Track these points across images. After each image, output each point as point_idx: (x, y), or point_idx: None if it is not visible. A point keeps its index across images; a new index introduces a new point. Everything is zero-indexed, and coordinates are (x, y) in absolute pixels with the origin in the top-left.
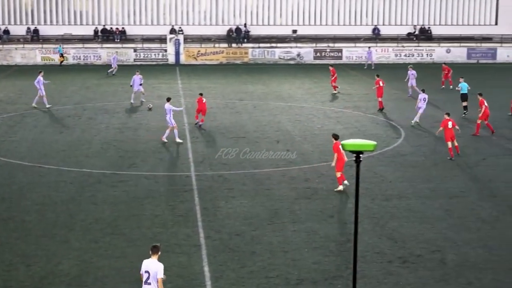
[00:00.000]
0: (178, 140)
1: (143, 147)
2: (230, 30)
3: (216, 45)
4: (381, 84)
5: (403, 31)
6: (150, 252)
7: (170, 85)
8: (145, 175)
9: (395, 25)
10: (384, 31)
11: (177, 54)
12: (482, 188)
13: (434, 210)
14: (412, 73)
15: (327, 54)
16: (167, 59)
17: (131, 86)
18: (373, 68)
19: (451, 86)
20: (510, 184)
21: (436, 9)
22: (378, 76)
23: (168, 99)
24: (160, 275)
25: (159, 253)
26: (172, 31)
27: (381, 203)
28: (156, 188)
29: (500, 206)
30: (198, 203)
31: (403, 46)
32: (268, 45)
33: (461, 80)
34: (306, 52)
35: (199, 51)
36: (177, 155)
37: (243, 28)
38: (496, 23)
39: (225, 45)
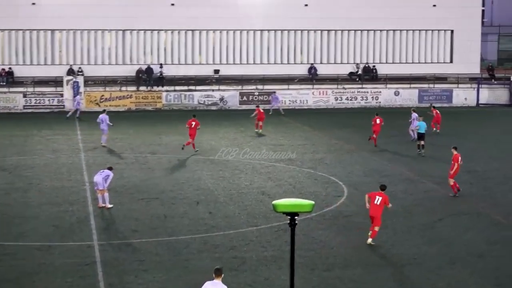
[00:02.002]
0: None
1: (35, 213)
2: (139, 71)
3: (123, 88)
4: (378, 122)
5: (344, 70)
6: (214, 275)
7: (68, 137)
8: (37, 246)
9: (335, 63)
10: (322, 70)
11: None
12: (439, 253)
13: (384, 281)
14: (415, 116)
15: (255, 97)
16: (63, 105)
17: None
18: (283, 113)
19: (438, 131)
20: (472, 248)
21: (381, 46)
22: (377, 114)
23: (104, 111)
24: None
25: (222, 275)
26: (70, 71)
27: (321, 273)
28: (51, 262)
29: (461, 274)
30: (102, 278)
31: (344, 88)
32: (186, 87)
33: (420, 119)
34: (231, 96)
35: (102, 95)
36: (76, 221)
37: (155, 68)
38: (451, 61)
39: (134, 88)
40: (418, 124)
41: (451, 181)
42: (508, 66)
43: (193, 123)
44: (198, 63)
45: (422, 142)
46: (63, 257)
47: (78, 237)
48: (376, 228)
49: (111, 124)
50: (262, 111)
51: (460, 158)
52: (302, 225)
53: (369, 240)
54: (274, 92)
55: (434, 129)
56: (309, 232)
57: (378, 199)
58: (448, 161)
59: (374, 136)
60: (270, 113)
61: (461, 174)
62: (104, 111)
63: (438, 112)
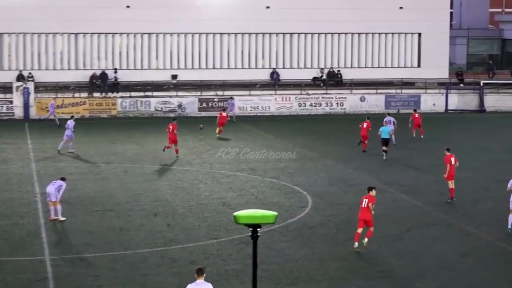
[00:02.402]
0: (60, 148)
1: None
2: (93, 76)
3: (76, 94)
4: (364, 126)
5: (308, 75)
6: (196, 275)
7: (18, 145)
8: None
9: (298, 68)
10: (285, 75)
11: (26, 106)
12: (408, 265)
13: None
14: (390, 119)
15: (215, 104)
16: (13, 113)
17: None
18: (234, 120)
19: (421, 136)
20: (441, 260)
21: (346, 49)
22: (368, 118)
23: (72, 117)
24: None
25: (204, 274)
26: (20, 77)
27: None
28: (1, 278)
29: (430, 287)
30: None
31: (308, 94)
32: (142, 94)
33: (384, 124)
34: (189, 102)
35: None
36: (27, 235)
37: (110, 73)
38: (419, 65)
39: (88, 94)
40: (380, 130)
41: (450, 184)
42: (478, 70)
43: (171, 127)
44: (155, 68)
45: (385, 148)
46: (13, 272)
47: (29, 251)
48: (371, 229)
49: (73, 130)
50: (224, 115)
51: (453, 159)
52: (265, 237)
53: (365, 240)
54: (231, 98)
55: (415, 134)
56: (272, 244)
57: (365, 201)
58: (417, 168)
59: (363, 141)
60: (234, 120)
61: (430, 183)
62: (72, 117)
63: (417, 115)
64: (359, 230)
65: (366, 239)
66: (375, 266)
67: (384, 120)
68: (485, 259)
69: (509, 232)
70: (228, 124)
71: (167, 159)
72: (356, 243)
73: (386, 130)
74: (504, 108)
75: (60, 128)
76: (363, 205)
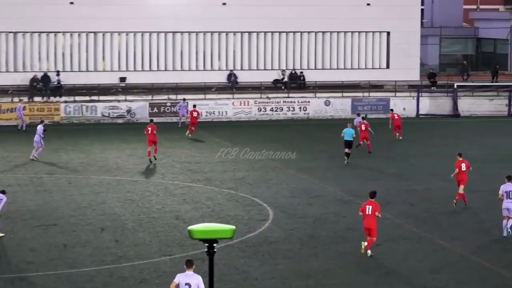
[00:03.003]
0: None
1: None
2: (34, 79)
3: (15, 99)
4: (363, 128)
5: (268, 77)
6: (185, 266)
7: None
8: None
9: (258, 69)
10: (243, 77)
11: None
12: (377, 283)
13: None
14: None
15: (167, 109)
16: None
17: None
18: (179, 126)
19: (400, 137)
20: (413, 277)
21: (310, 49)
22: (363, 118)
23: (42, 121)
24: (203, 286)
25: (194, 266)
26: None
27: None
28: None
29: None
30: None
31: (268, 98)
32: (88, 98)
33: (349, 125)
34: (139, 107)
35: None
36: None
37: (52, 76)
38: (388, 67)
39: (28, 99)
40: (344, 131)
41: (460, 189)
42: (451, 72)
43: (150, 128)
44: (102, 70)
45: (348, 150)
46: None
47: None
48: (374, 239)
49: (42, 135)
50: (195, 115)
51: (463, 164)
52: (222, 254)
53: (368, 252)
54: (184, 100)
55: (397, 135)
56: (230, 261)
57: (369, 208)
58: (386, 178)
59: (366, 142)
60: (179, 126)
61: (400, 194)
62: (41, 122)
63: (396, 116)
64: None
65: (369, 251)
66: (341, 285)
67: (355, 120)
68: (459, 276)
69: (508, 234)
70: (181, 130)
71: (115, 170)
72: (369, 251)
73: (349, 132)
74: (479, 112)
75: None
76: (367, 213)
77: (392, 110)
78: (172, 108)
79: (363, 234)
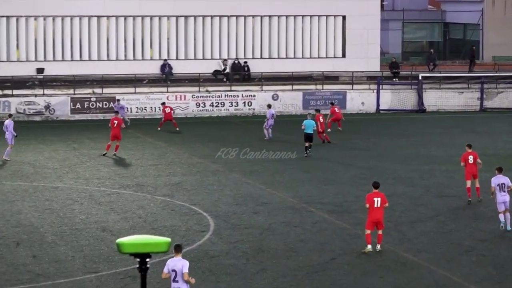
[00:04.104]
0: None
1: None
2: None
3: None
4: (321, 120)
5: (208, 68)
6: (174, 251)
7: None
8: None
9: (195, 59)
10: (179, 68)
11: None
12: None
13: None
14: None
15: (92, 104)
16: None
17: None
18: (129, 124)
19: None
20: None
21: (255, 36)
22: (332, 103)
23: (10, 115)
24: (186, 269)
25: (182, 251)
26: None
27: None
28: None
29: None
30: None
31: (207, 91)
32: (0, 92)
33: (309, 117)
34: (59, 103)
35: None
36: None
37: None
38: (343, 55)
39: None
40: (304, 123)
41: (467, 183)
42: (416, 61)
43: (116, 121)
44: (15, 60)
45: (308, 144)
46: None
47: None
48: (380, 232)
49: (15, 134)
50: (168, 111)
51: (471, 157)
52: (157, 270)
53: (378, 247)
54: (118, 100)
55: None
56: (165, 278)
57: (378, 201)
58: (341, 182)
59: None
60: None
61: (358, 200)
62: (10, 116)
63: (337, 109)
64: (369, 232)
65: (379, 246)
66: None
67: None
68: None
69: (502, 228)
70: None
71: (32, 175)
72: (370, 246)
73: (310, 124)
74: (447, 107)
75: None
76: (376, 205)
77: (332, 103)
78: (98, 104)
79: (316, 246)
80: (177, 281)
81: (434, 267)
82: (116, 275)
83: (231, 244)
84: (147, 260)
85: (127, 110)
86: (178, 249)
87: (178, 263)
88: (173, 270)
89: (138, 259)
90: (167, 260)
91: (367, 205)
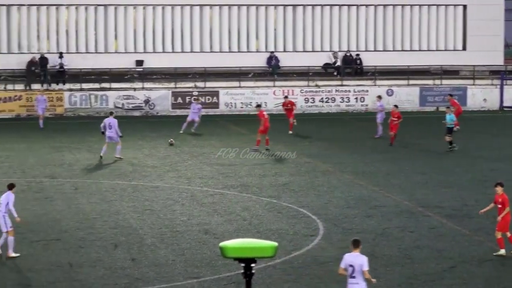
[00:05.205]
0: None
1: None
2: (32, 62)
3: (9, 86)
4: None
5: (317, 61)
6: (352, 247)
7: None
8: None
9: (304, 51)
10: (287, 61)
11: None
12: None
13: None
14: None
15: (194, 99)
16: None
17: None
18: (180, 130)
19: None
20: None
21: (368, 27)
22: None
23: (111, 113)
24: (366, 267)
25: (361, 246)
26: None
27: None
28: None
29: None
30: None
31: (317, 86)
32: (97, 85)
33: (448, 111)
34: (160, 97)
35: None
36: None
37: (53, 59)
38: (464, 48)
39: (24, 86)
40: (446, 118)
41: (498, 234)
42: None
43: (266, 115)
44: (114, 51)
45: (448, 138)
46: None
47: None
48: (510, 234)
49: (120, 134)
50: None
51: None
52: (262, 276)
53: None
54: (197, 99)
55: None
56: (271, 285)
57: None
58: (460, 186)
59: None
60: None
61: (480, 204)
62: (111, 113)
63: (457, 102)
64: (500, 235)
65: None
66: None
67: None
68: None
69: None
70: (204, 127)
71: (131, 173)
72: (503, 250)
73: (451, 118)
74: None
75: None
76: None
77: (451, 95)
78: (201, 99)
79: (434, 253)
80: (354, 277)
81: None
82: (219, 281)
83: (342, 250)
84: (252, 265)
85: (231, 106)
86: (356, 244)
87: (357, 259)
88: (351, 266)
89: (242, 264)
90: (344, 255)
91: (498, 205)
